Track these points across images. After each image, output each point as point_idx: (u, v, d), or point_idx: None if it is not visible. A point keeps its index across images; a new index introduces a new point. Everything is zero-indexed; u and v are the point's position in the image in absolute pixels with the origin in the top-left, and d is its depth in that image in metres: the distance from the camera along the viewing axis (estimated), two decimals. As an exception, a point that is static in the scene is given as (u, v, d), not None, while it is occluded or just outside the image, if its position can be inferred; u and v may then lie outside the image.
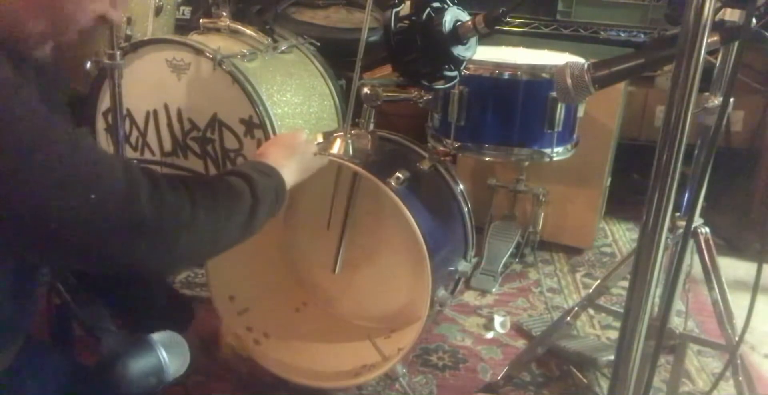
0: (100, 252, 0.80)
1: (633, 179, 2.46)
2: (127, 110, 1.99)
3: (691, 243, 1.32)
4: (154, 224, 0.82)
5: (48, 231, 0.76)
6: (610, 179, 2.33)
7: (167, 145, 2.03)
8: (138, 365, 0.92)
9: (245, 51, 1.95)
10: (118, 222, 0.79)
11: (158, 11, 2.11)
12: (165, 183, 0.85)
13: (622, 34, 2.70)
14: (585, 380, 1.64)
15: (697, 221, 1.33)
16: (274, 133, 1.89)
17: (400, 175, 1.38)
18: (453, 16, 1.38)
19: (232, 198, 0.95)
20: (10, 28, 0.79)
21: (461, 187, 1.63)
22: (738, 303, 1.31)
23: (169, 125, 2.00)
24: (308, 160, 1.23)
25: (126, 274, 1.11)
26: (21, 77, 0.79)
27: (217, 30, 2.06)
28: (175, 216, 0.84)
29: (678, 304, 1.61)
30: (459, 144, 1.76)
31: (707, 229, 1.34)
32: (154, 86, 1.96)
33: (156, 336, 0.95)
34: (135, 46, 1.93)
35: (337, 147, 1.42)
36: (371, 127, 1.52)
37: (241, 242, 0.98)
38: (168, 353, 0.95)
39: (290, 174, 1.12)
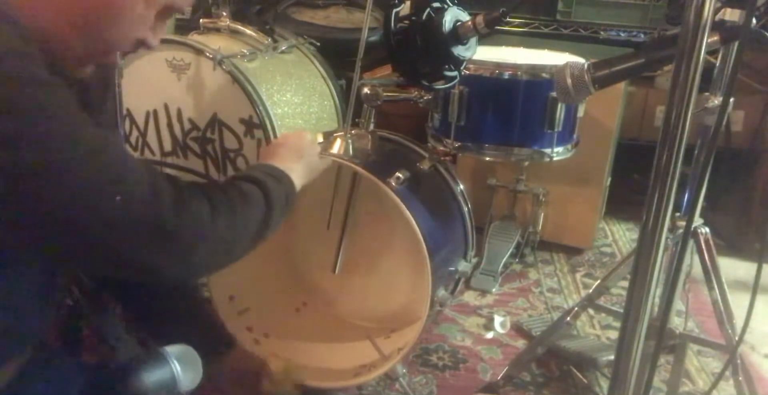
0: (119, 255, 0.80)
1: (633, 179, 2.46)
2: (127, 110, 1.99)
3: (691, 243, 1.32)
4: (175, 230, 0.81)
5: (69, 231, 0.76)
6: (610, 179, 2.33)
7: (167, 145, 2.03)
8: (151, 377, 0.92)
9: (245, 51, 1.95)
10: (141, 226, 0.78)
11: (158, 11, 2.11)
12: (187, 190, 0.85)
13: (622, 34, 2.70)
14: (585, 380, 1.64)
15: (697, 221, 1.33)
16: (274, 132, 1.88)
17: (400, 175, 1.38)
18: (453, 16, 1.38)
19: (248, 207, 0.94)
20: (53, 48, 0.79)
21: (461, 187, 1.63)
22: (738, 303, 1.31)
23: (169, 125, 2.00)
24: (314, 161, 1.23)
25: (141, 281, 1.10)
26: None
27: (217, 30, 2.06)
28: (196, 224, 0.84)
29: (678, 304, 1.61)
30: (459, 144, 1.77)
31: (707, 229, 1.34)
32: (154, 86, 1.96)
33: (170, 349, 0.95)
34: (135, 46, 1.93)
35: (337, 147, 1.42)
36: (371, 127, 1.52)
37: (252, 250, 0.97)
38: (181, 366, 0.95)
39: (298, 177, 1.11)
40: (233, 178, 1.02)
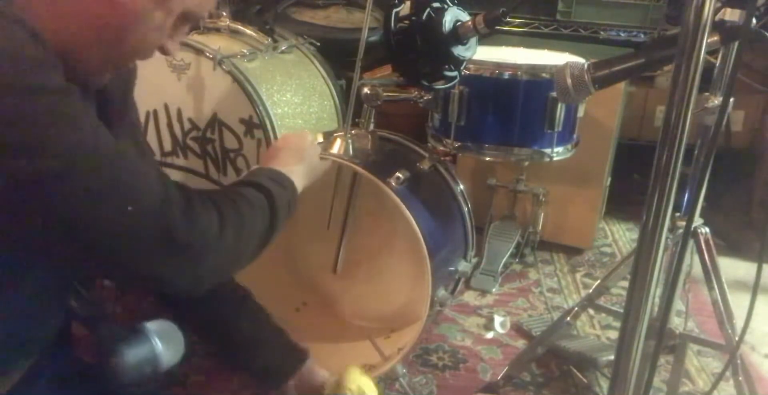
0: (128, 264, 0.80)
1: (633, 179, 2.46)
2: (127, 110, 1.99)
3: (691, 243, 1.32)
4: (184, 242, 0.82)
5: (78, 239, 0.76)
6: (610, 179, 2.33)
7: (167, 145, 2.03)
8: (132, 354, 0.91)
9: (245, 51, 1.95)
10: (151, 237, 0.79)
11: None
12: (198, 201, 0.85)
13: (622, 34, 2.70)
14: (585, 380, 1.64)
15: (697, 221, 1.33)
16: (274, 132, 1.88)
17: (400, 175, 1.38)
18: (453, 16, 1.38)
19: (254, 216, 0.95)
20: (71, 56, 0.79)
21: (461, 187, 1.63)
22: (738, 303, 1.31)
23: (169, 125, 2.00)
24: (316, 163, 1.23)
25: (150, 289, 1.11)
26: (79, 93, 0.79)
27: (217, 30, 2.06)
28: (206, 236, 0.84)
29: (678, 304, 1.61)
30: (459, 144, 1.76)
31: (707, 229, 1.34)
32: (154, 86, 1.96)
33: (150, 325, 0.95)
34: (135, 46, 1.93)
35: (337, 147, 1.42)
36: (371, 127, 1.52)
37: (257, 257, 0.98)
38: (162, 342, 0.94)
39: (300, 180, 1.11)
40: (238, 184, 1.02)
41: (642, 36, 2.67)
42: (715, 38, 1.05)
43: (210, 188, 1.08)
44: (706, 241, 1.33)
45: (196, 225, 0.83)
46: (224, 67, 1.85)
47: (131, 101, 1.06)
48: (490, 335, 1.84)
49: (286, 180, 1.07)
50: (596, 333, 1.87)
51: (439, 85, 1.49)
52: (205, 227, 0.84)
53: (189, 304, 1.16)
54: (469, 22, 1.38)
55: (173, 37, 0.87)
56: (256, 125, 1.89)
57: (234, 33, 2.07)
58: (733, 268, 2.13)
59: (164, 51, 0.87)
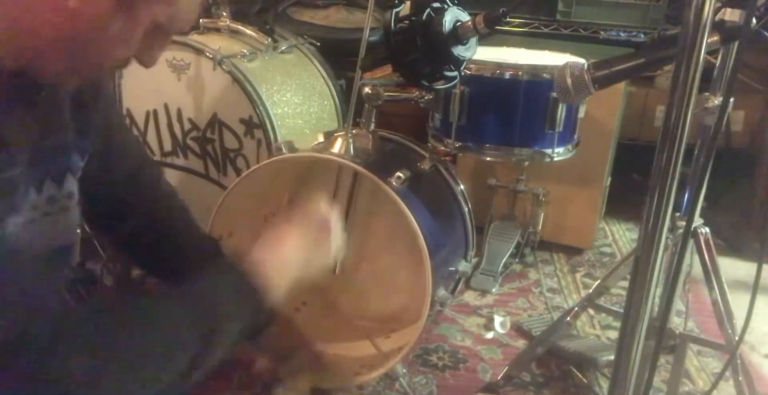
0: None
1: (633, 179, 2.46)
2: (127, 110, 1.99)
3: (691, 243, 1.32)
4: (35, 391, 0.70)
5: None
6: (610, 179, 2.33)
7: (167, 145, 2.03)
8: None
9: (245, 51, 1.95)
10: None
11: (158, 11, 2.11)
12: (70, 335, 0.72)
13: (622, 34, 2.70)
14: (585, 380, 1.64)
15: (697, 221, 1.33)
16: (274, 132, 1.89)
17: (400, 175, 1.38)
18: (453, 16, 1.38)
19: (166, 354, 0.82)
20: (32, 61, 0.76)
21: (461, 187, 1.63)
22: (738, 303, 1.31)
23: (169, 125, 2.00)
24: (323, 254, 1.06)
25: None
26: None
27: (217, 30, 2.06)
28: (66, 384, 0.71)
29: (678, 304, 1.61)
30: (460, 144, 1.76)
31: (707, 229, 1.34)
32: (154, 86, 1.96)
33: None
34: (135, 46, 1.93)
35: (338, 146, 1.42)
36: (372, 126, 1.52)
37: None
38: None
39: (287, 280, 0.96)
40: (183, 298, 0.87)
41: (642, 36, 2.67)
42: (715, 38, 1.05)
43: (128, 300, 0.94)
44: (706, 241, 1.33)
45: (55, 371, 0.70)
46: (224, 67, 1.85)
47: (103, 99, 1.00)
48: (490, 335, 1.84)
49: (260, 301, 0.91)
50: (596, 333, 1.87)
51: (440, 85, 1.49)
52: (69, 372, 0.71)
53: (162, 260, 1.13)
54: (469, 22, 1.37)
55: (150, 50, 0.81)
56: (256, 125, 1.89)
57: (234, 33, 2.07)
58: (733, 268, 2.13)
59: (141, 62, 0.83)
